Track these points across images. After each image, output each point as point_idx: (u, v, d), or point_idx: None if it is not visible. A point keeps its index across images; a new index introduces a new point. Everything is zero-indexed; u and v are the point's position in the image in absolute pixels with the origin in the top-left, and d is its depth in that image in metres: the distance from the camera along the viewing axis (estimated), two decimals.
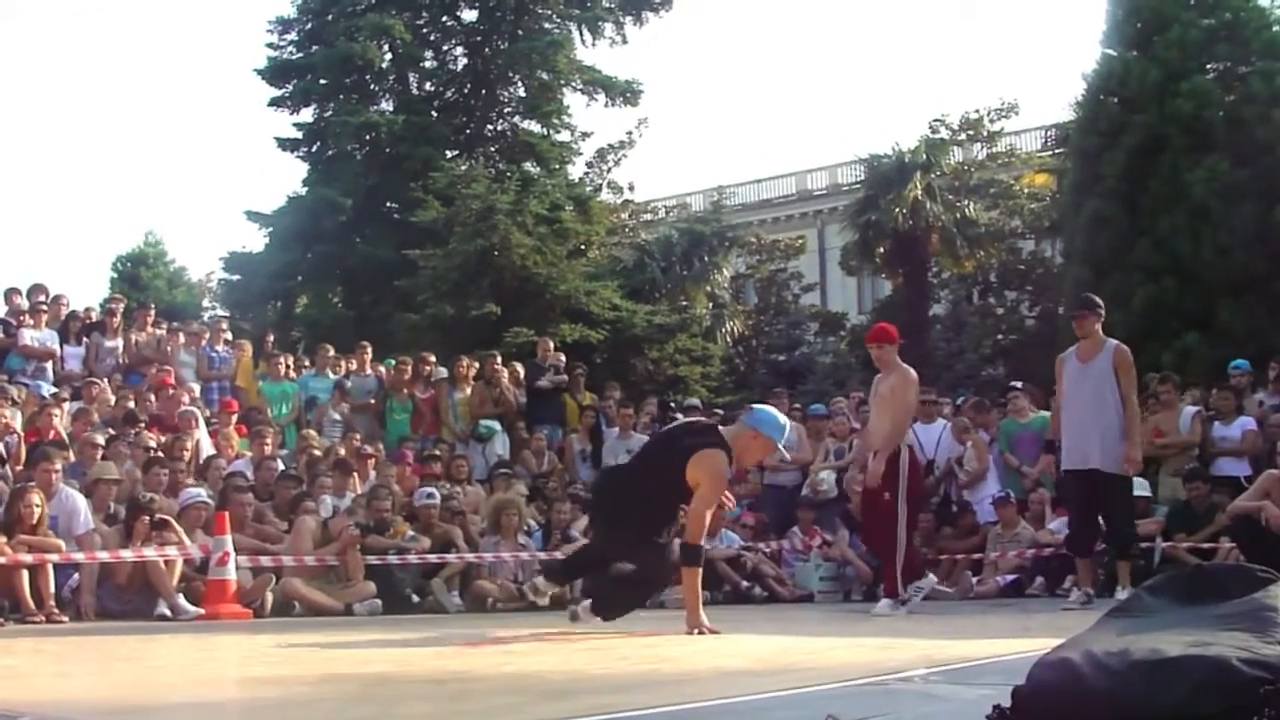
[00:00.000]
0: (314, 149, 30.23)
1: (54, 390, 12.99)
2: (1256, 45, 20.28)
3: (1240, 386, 13.24)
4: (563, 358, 16.00)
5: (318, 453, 12.65)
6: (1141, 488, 11.99)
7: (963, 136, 31.92)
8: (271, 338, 17.46)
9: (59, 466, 10.10)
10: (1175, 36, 20.14)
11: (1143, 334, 18.51)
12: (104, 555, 9.64)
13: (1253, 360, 14.18)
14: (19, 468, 10.84)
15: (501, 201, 23.49)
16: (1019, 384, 13.96)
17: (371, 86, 30.29)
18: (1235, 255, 18.88)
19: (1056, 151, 29.38)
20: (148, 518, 9.91)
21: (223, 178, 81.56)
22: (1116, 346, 9.41)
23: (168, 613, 9.54)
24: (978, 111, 31.76)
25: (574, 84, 29.92)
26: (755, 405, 7.66)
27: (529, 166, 29.30)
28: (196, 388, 13.90)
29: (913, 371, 9.73)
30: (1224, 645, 2.64)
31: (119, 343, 14.38)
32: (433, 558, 11.14)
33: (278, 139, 30.28)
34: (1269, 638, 2.70)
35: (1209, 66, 20.46)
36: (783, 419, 7.40)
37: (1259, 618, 2.80)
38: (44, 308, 13.97)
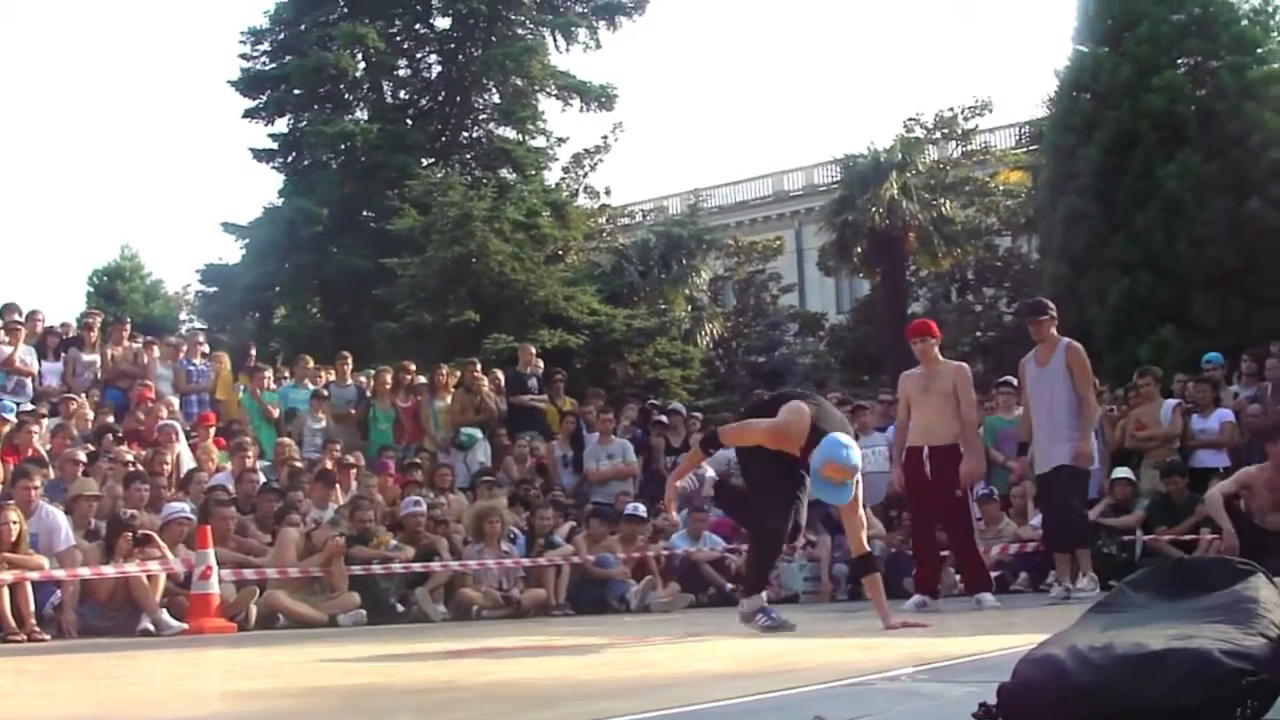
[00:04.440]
0: (289, 159, 30.19)
1: (31, 407, 12.89)
2: (1226, 39, 20.43)
3: (1214, 379, 13.32)
4: (541, 365, 15.98)
5: (298, 464, 12.60)
6: (1123, 471, 12.09)
7: (937, 135, 32.03)
8: (254, 351, 17.35)
9: (38, 483, 10.02)
10: (1146, 32, 20.28)
11: (1120, 328, 18.67)
12: (85, 572, 9.57)
13: (1228, 352, 14.28)
14: None
15: (478, 208, 23.50)
16: (1012, 380, 13.77)
17: (346, 95, 30.28)
18: (1209, 249, 19.01)
19: (1031, 148, 29.52)
20: (130, 533, 9.85)
21: (198, 190, 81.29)
22: (1068, 345, 9.47)
23: (151, 628, 9.49)
24: (952, 110, 31.93)
25: (548, 89, 29.95)
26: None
27: (505, 173, 29.33)
28: (175, 401, 13.84)
29: (966, 366, 9.82)
30: (1206, 638, 2.66)
31: (96, 357, 14.30)
32: (417, 567, 11.12)
33: (253, 150, 30.27)
34: (1250, 629, 2.71)
35: (1180, 61, 20.61)
36: (843, 443, 6.36)
37: (1240, 609, 2.81)
38: (19, 325, 13.87)
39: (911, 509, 9.88)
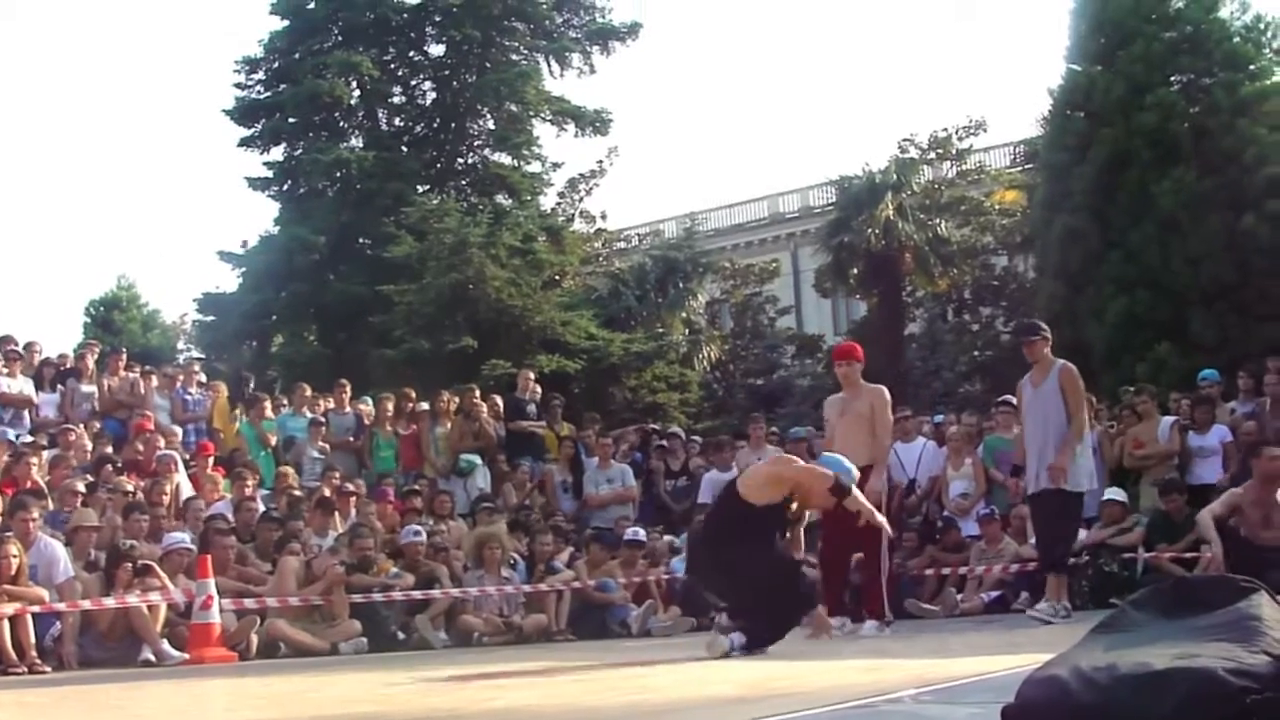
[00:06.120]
0: (285, 187, 30.18)
1: (29, 438, 12.87)
2: (1219, 56, 20.51)
3: (1211, 396, 13.33)
4: (539, 390, 15.96)
5: (298, 493, 12.58)
6: (1114, 493, 12.07)
7: (932, 155, 32.02)
8: (253, 382, 17.32)
9: (36, 515, 10.00)
10: (1139, 50, 20.35)
11: (1117, 346, 18.69)
12: (86, 603, 9.55)
13: (1225, 368, 14.28)
14: None
15: (474, 235, 23.51)
16: (1011, 399, 13.68)
17: (341, 123, 30.28)
18: (1205, 265, 19.05)
19: (1026, 167, 29.57)
20: (130, 564, 9.83)
21: (194, 219, 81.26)
22: (1062, 366, 9.46)
23: (152, 659, 9.47)
24: (946, 130, 31.89)
25: (543, 115, 29.96)
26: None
27: (501, 199, 29.33)
28: (178, 431, 13.81)
29: (885, 389, 9.74)
30: (1210, 656, 2.65)
31: (94, 388, 14.27)
32: (418, 594, 11.10)
33: (248, 178, 30.20)
34: (1253, 647, 2.71)
35: (1173, 79, 20.67)
36: (846, 462, 7.74)
37: (1243, 627, 2.81)
38: (16, 355, 13.84)
39: (823, 533, 9.58)
